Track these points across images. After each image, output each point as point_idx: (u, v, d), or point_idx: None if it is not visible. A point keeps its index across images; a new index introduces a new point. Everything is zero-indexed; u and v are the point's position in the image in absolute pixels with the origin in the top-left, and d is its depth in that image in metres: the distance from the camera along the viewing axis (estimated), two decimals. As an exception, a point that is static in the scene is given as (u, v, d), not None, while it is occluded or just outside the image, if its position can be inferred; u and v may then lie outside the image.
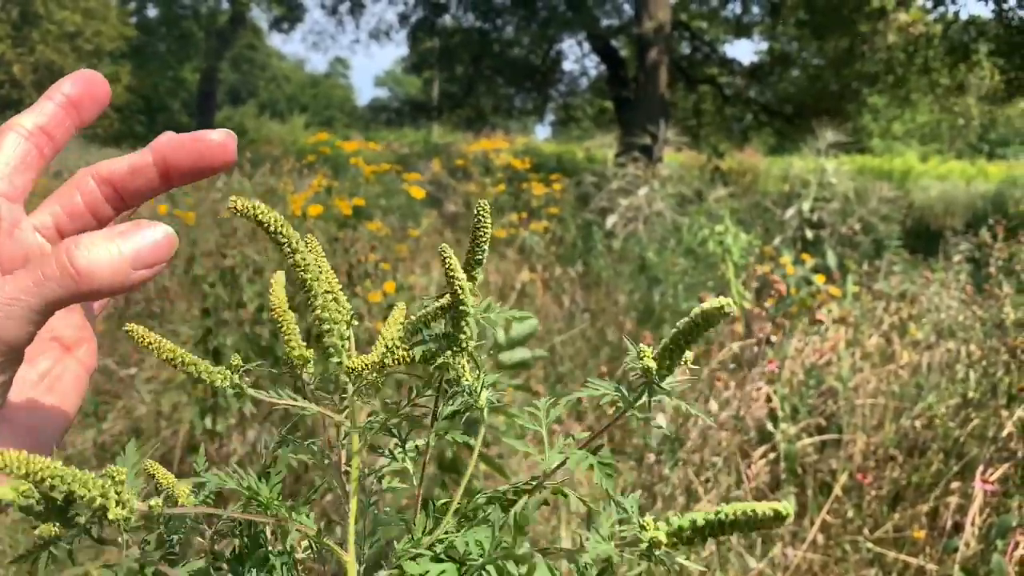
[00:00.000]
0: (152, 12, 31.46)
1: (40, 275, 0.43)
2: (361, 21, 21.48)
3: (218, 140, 0.52)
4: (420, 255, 5.67)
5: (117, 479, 0.43)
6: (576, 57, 21.10)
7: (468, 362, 0.55)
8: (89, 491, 0.42)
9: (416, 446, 0.62)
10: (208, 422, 3.09)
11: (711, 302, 0.49)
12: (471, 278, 0.57)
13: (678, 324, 0.51)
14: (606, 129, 22.04)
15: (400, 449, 0.61)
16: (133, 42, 28.22)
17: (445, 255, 0.49)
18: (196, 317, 3.78)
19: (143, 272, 0.45)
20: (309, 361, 0.53)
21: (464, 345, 0.53)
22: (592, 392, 0.57)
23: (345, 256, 4.57)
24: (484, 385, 0.57)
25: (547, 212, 7.12)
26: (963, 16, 13.54)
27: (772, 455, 2.79)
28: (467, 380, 0.55)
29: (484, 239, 0.55)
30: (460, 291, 0.49)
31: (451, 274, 0.49)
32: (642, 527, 0.48)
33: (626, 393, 0.56)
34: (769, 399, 2.89)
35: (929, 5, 12.92)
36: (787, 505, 0.44)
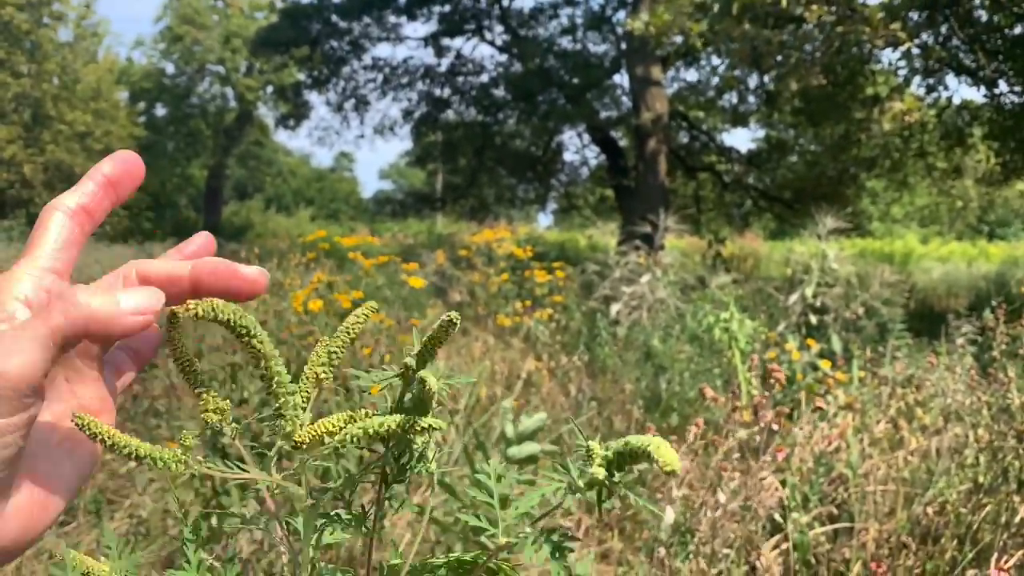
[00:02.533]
0: (161, 111, 32.18)
1: (46, 311, 0.48)
2: (366, 117, 21.92)
3: (251, 277, 0.57)
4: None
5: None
6: (576, 148, 21.46)
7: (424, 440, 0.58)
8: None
9: (363, 507, 0.65)
10: (214, 521, 3.06)
11: (656, 448, 0.52)
12: (423, 365, 0.60)
13: (625, 442, 0.54)
14: (607, 216, 22.27)
15: (348, 514, 0.64)
16: (142, 141, 28.80)
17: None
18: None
19: (137, 318, 0.51)
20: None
21: (425, 426, 0.56)
22: (546, 490, 0.60)
23: (349, 349, 4.58)
24: (434, 455, 0.60)
25: (551, 300, 7.16)
26: (956, 101, 13.78)
27: (784, 545, 2.76)
28: (418, 447, 0.58)
29: (438, 343, 0.59)
30: (423, 382, 0.53)
31: (410, 366, 0.52)
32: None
33: (580, 485, 0.58)
34: (781, 485, 2.87)
35: (922, 92, 13.17)
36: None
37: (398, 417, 0.55)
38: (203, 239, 0.62)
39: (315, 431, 0.55)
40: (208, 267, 0.56)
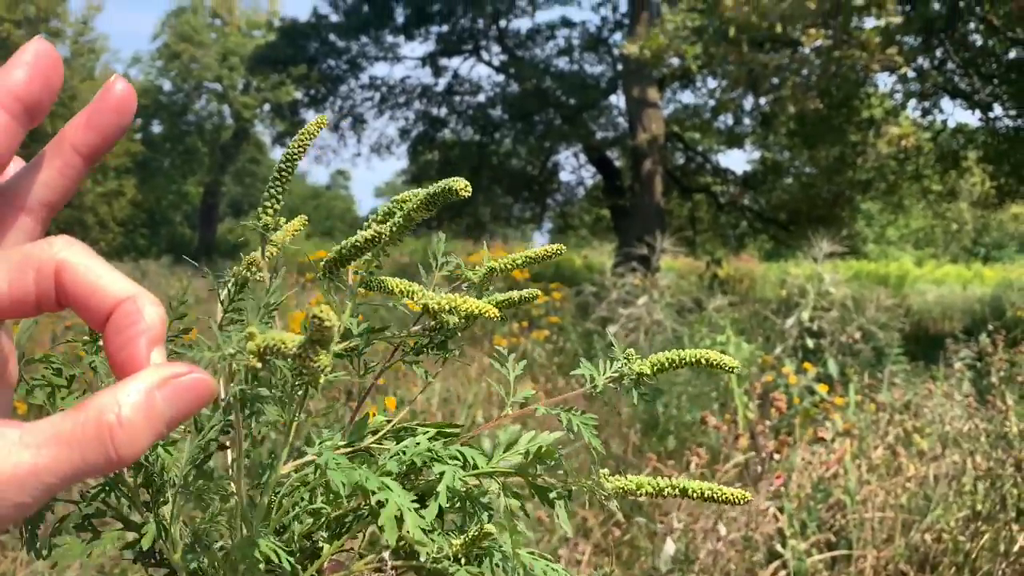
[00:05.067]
0: (157, 128, 32.20)
1: (80, 456, 0.38)
2: (363, 136, 21.94)
3: (120, 94, 0.45)
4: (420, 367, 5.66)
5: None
6: (572, 167, 21.52)
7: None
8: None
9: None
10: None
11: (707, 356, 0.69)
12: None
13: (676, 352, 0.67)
14: (603, 236, 22.32)
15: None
16: (138, 158, 28.81)
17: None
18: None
19: (176, 426, 0.41)
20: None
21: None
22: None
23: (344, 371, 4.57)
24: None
25: (548, 321, 7.16)
26: (951, 124, 13.87)
27: (783, 573, 2.75)
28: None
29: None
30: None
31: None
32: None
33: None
34: (778, 516, 2.86)
35: (917, 115, 13.26)
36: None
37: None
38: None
39: None
40: (89, 135, 0.45)
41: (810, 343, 5.50)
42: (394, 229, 0.65)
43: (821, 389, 4.49)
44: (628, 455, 4.14)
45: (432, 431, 0.68)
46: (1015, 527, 2.76)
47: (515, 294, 0.80)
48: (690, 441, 4.25)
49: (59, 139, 0.46)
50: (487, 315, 0.67)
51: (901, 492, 3.19)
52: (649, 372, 0.70)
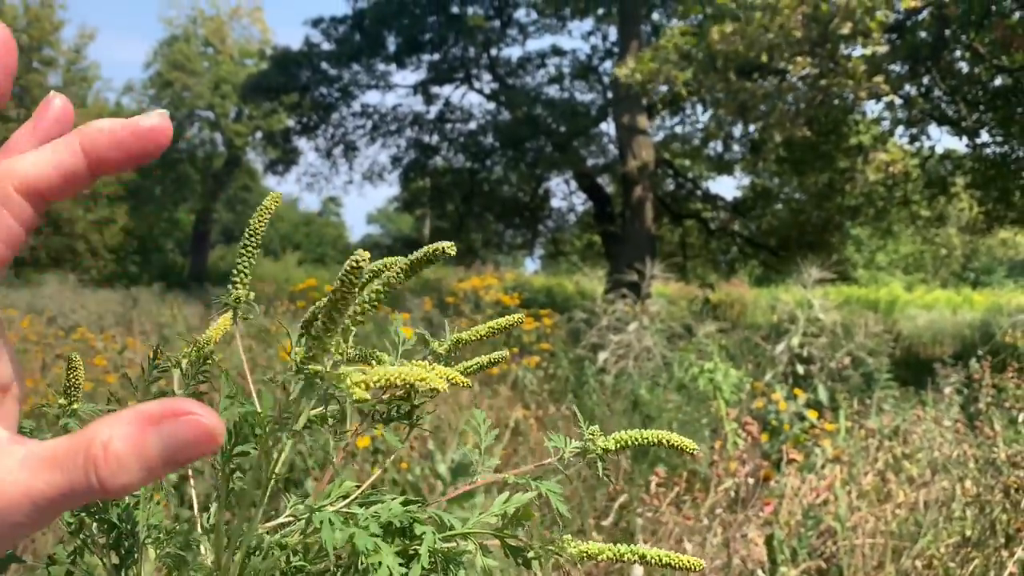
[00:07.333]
0: (149, 156, 32.09)
1: (68, 482, 0.37)
2: (355, 163, 21.99)
3: (151, 125, 0.45)
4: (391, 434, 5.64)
5: None
6: (564, 194, 21.60)
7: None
8: None
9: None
10: None
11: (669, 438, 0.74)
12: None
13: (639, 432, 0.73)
14: (595, 262, 22.36)
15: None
16: (129, 185, 28.78)
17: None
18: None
19: (174, 468, 0.38)
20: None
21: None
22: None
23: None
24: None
25: (538, 348, 7.15)
26: (938, 150, 13.97)
27: (773, 600, 2.74)
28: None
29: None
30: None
31: None
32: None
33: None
34: (769, 539, 2.85)
35: (905, 142, 13.35)
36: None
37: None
38: (59, 103, 0.47)
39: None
40: (105, 141, 0.45)
41: (800, 369, 5.52)
42: (373, 299, 0.64)
43: (811, 415, 4.50)
44: (619, 481, 4.14)
45: (401, 499, 0.68)
46: (1005, 553, 2.76)
47: (484, 358, 0.83)
48: (680, 468, 4.24)
49: (82, 146, 0.45)
50: (456, 383, 0.67)
51: (891, 518, 3.19)
52: (613, 449, 0.74)
